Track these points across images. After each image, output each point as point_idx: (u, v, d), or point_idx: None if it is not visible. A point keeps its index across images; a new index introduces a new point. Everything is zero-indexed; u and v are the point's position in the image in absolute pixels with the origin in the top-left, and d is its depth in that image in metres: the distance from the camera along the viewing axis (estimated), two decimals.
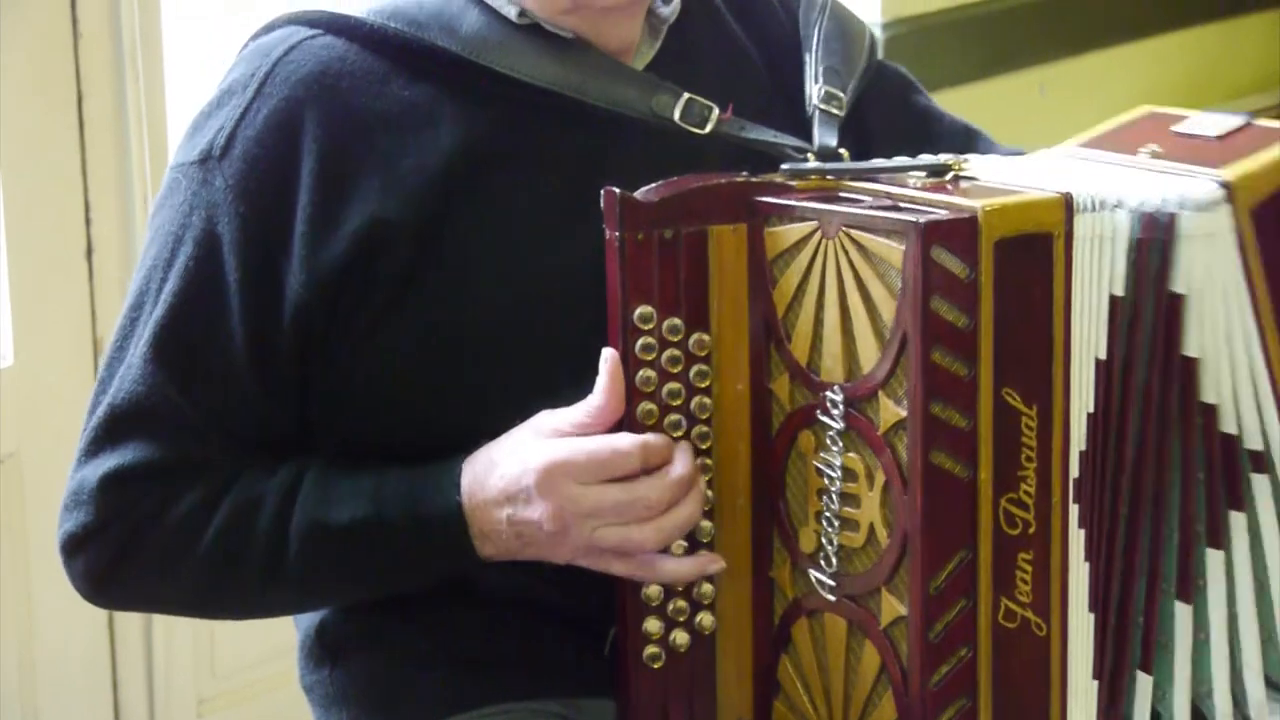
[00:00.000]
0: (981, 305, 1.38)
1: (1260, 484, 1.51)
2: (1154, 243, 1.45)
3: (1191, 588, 1.51)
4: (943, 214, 1.39)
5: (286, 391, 1.52)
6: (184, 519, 1.51)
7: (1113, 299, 1.45)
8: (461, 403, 1.51)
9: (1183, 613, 1.51)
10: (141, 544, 1.51)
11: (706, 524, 1.48)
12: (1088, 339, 1.44)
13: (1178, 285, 1.46)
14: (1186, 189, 1.46)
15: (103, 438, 1.52)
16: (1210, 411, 1.48)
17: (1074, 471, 1.44)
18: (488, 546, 1.48)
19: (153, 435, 1.50)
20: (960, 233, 1.37)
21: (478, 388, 1.51)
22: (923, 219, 1.37)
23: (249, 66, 1.55)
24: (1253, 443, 1.50)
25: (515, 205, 1.53)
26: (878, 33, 2.96)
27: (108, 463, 1.51)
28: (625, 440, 1.44)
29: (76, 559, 1.53)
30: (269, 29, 1.58)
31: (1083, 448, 1.45)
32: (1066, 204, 1.42)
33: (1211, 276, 1.46)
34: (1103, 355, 1.45)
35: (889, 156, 1.57)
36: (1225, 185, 1.46)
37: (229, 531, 1.50)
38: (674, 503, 1.44)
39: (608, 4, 1.54)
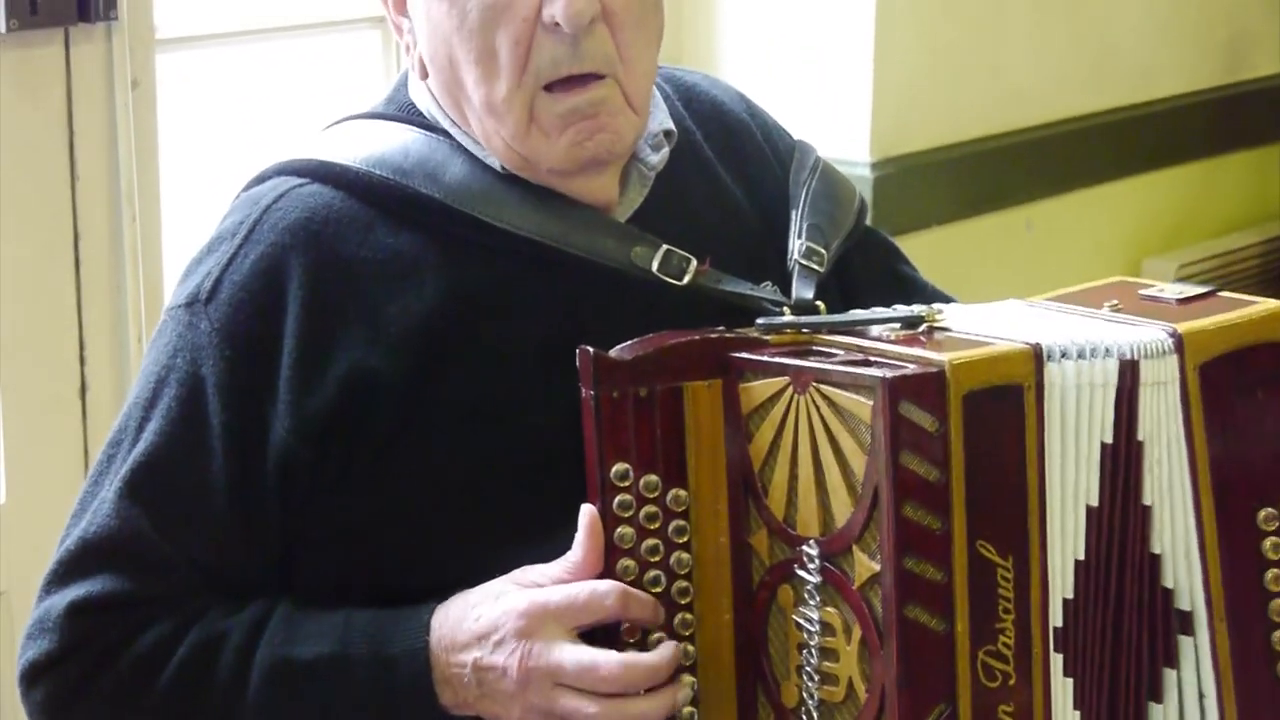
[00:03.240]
0: (952, 458, 1.39)
1: (1186, 645, 1.51)
2: (1125, 390, 1.47)
3: None
4: (911, 369, 1.40)
5: (265, 534, 1.52)
6: (147, 652, 1.50)
7: (1103, 446, 1.47)
8: (442, 550, 1.52)
9: None
10: (102, 675, 1.51)
11: (689, 679, 1.47)
12: (1076, 486, 1.46)
13: (1139, 432, 1.48)
14: (1141, 336, 1.48)
15: (72, 568, 1.52)
16: (1155, 561, 1.50)
17: (1057, 620, 1.45)
18: (447, 693, 1.47)
19: (123, 569, 1.51)
20: (928, 387, 1.39)
21: (458, 536, 1.52)
22: (890, 374, 1.39)
23: (240, 214, 1.58)
24: (1182, 602, 1.50)
25: (499, 354, 1.54)
26: (865, 172, 3.00)
27: (76, 592, 1.51)
28: (604, 583, 1.45)
29: (36, 689, 1.53)
30: (261, 179, 1.61)
31: (1069, 595, 1.45)
32: (1036, 355, 1.44)
33: (1160, 425, 1.48)
34: (1094, 502, 1.46)
35: None
36: (1175, 336, 1.49)
37: (191, 665, 1.50)
38: (639, 686, 1.44)
39: (553, 167, 1.55)
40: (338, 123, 1.66)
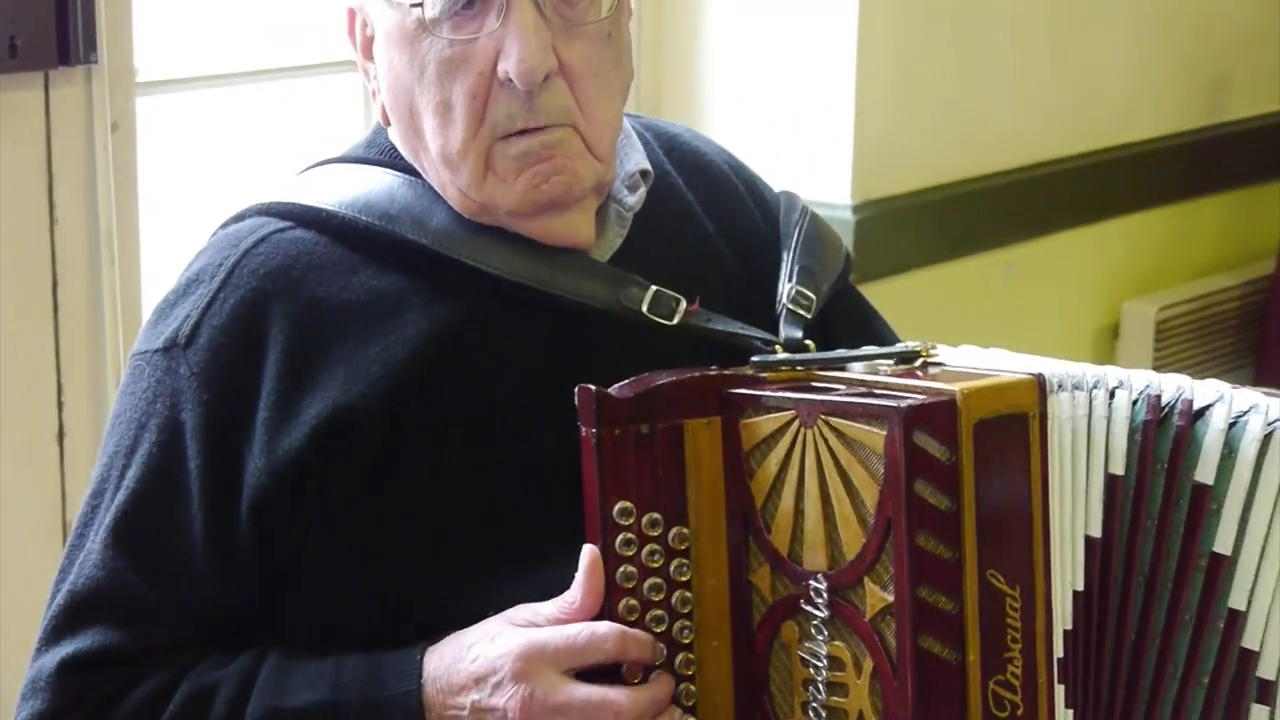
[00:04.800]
0: (964, 487, 1.39)
1: (1260, 715, 1.48)
2: (1164, 426, 1.46)
3: None
4: (922, 398, 1.40)
5: (247, 578, 1.51)
6: (139, 708, 1.49)
7: (1111, 477, 1.46)
8: (428, 589, 1.50)
9: None
10: None
11: None
12: (1075, 517, 1.45)
13: (1203, 475, 1.46)
14: (1267, 400, 1.47)
15: (63, 624, 1.50)
16: (1236, 618, 1.47)
17: (1059, 651, 1.44)
18: None
19: (113, 622, 1.49)
20: (941, 416, 1.38)
21: (444, 574, 1.50)
22: (904, 403, 1.38)
23: (217, 255, 1.56)
24: (1266, 670, 1.48)
25: (483, 396, 1.53)
26: (847, 215, 3.00)
27: (67, 649, 1.50)
28: (603, 625, 1.43)
29: None
30: (239, 218, 1.60)
31: (1068, 626, 1.45)
32: (1040, 385, 1.44)
33: (1267, 479, 1.46)
34: (1096, 533, 1.46)
35: None
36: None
37: (182, 718, 1.48)
38: (649, 717, 1.42)
39: (511, 209, 1.53)
40: (317, 165, 1.65)
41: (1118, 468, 1.46)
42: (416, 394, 1.51)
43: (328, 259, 1.54)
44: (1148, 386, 1.47)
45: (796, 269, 1.64)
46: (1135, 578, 1.47)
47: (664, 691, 1.44)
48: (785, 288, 1.63)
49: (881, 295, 2.99)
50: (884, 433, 1.38)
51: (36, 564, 2.46)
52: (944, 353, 1.52)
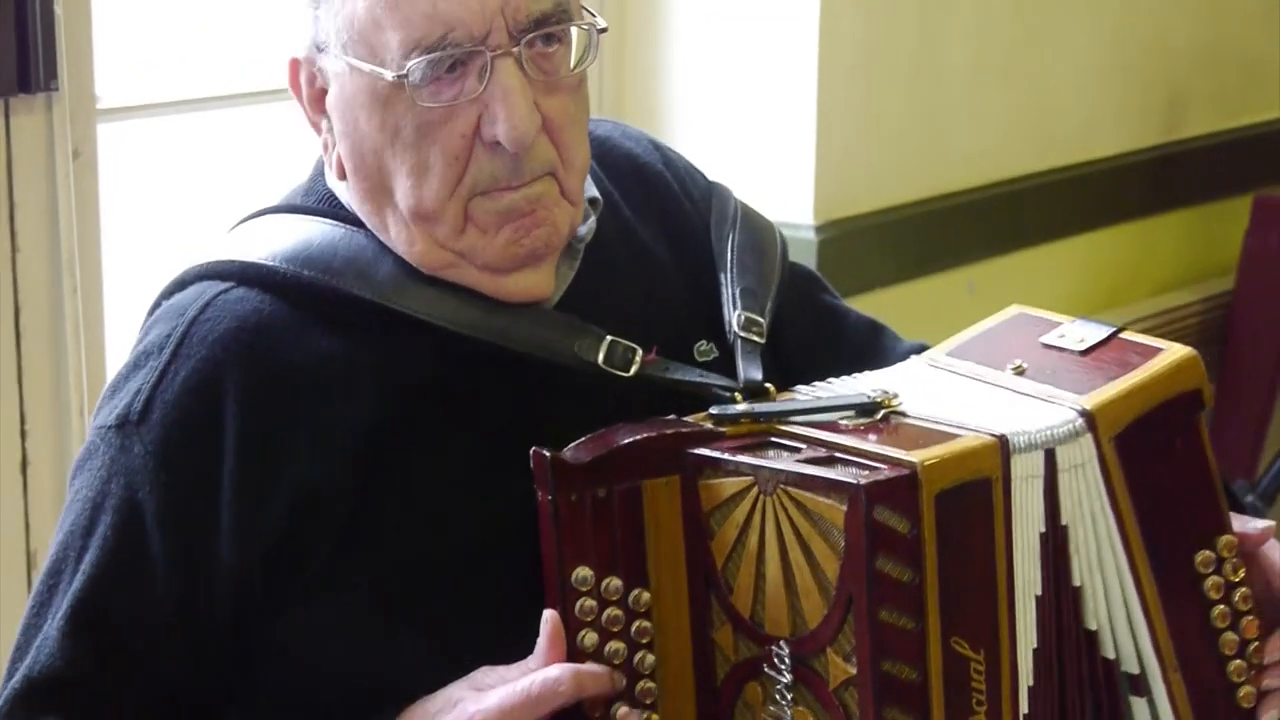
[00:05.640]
0: (926, 558, 1.39)
1: (1140, 706, 1.52)
2: (1049, 479, 1.48)
3: None
4: (882, 471, 1.39)
5: (216, 658, 1.49)
6: None
7: (1040, 535, 1.47)
8: (397, 660, 1.49)
9: None
10: None
11: None
12: (1028, 578, 1.46)
13: (1063, 517, 1.48)
14: (1051, 420, 1.48)
15: (18, 707, 1.48)
16: (1092, 638, 1.50)
17: (1025, 708, 1.45)
18: None
19: (69, 709, 1.47)
20: (901, 490, 1.38)
21: (413, 644, 1.49)
22: (863, 479, 1.38)
23: (165, 327, 1.52)
24: (1129, 666, 1.51)
25: (444, 454, 1.51)
26: (810, 235, 3.00)
27: None
28: (555, 668, 1.42)
29: None
30: (180, 284, 1.56)
31: (1030, 683, 1.45)
32: (1003, 447, 1.44)
33: (1081, 505, 1.48)
34: (1040, 592, 1.46)
35: (800, 353, 1.59)
36: (1086, 415, 1.48)
37: None
38: None
39: (489, 263, 1.51)
40: (255, 216, 1.61)
41: (1042, 525, 1.47)
42: (379, 459, 1.49)
43: (274, 318, 1.51)
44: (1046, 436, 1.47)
45: (738, 293, 1.63)
46: (1067, 627, 1.49)
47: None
48: (732, 315, 1.61)
49: None
50: (844, 508, 1.38)
51: (3, 593, 2.45)
52: (906, 395, 1.51)
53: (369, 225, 1.55)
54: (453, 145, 1.48)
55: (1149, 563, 1.50)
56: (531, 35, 1.48)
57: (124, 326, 1.58)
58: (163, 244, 2.65)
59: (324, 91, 1.54)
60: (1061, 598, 1.48)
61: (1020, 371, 1.55)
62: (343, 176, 1.55)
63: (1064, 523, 1.48)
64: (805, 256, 2.94)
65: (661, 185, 1.70)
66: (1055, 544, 1.48)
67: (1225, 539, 1.53)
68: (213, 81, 2.72)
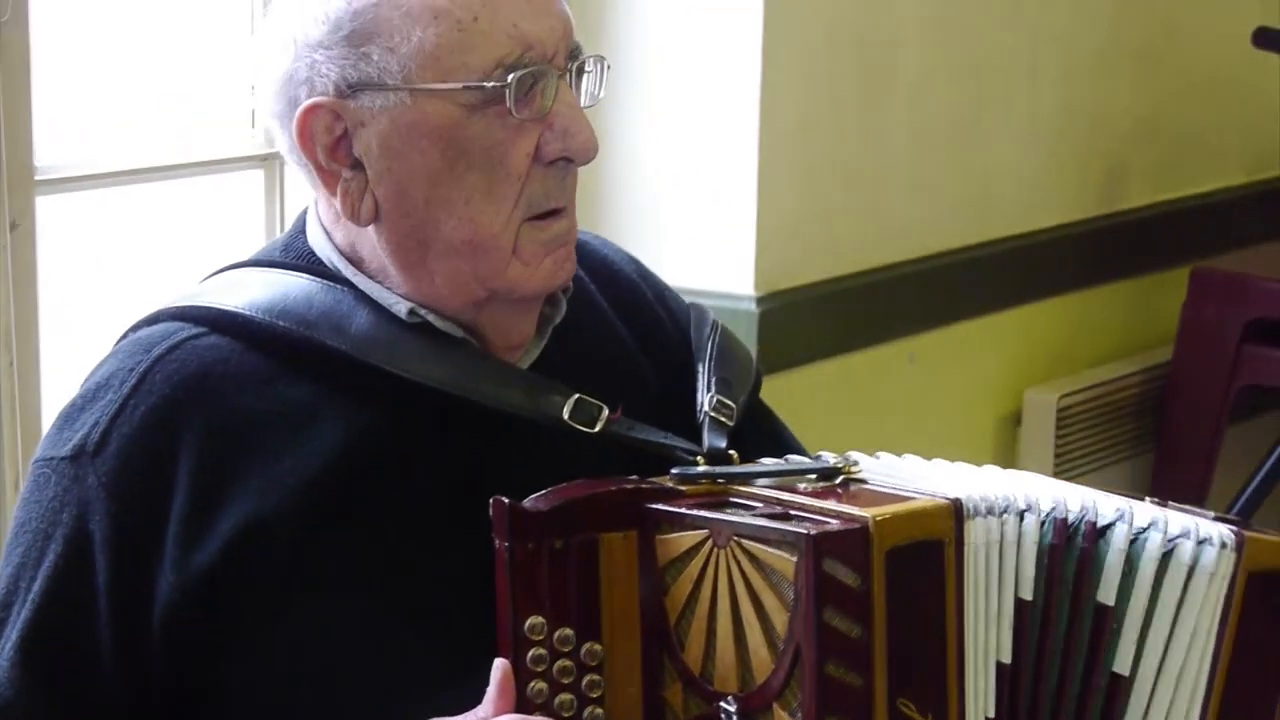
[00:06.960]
0: (875, 614, 1.38)
1: None
2: (1069, 549, 1.47)
3: None
4: (834, 524, 1.40)
5: (156, 694, 1.49)
6: None
7: (1020, 602, 1.46)
8: (344, 703, 1.48)
9: None
10: None
11: None
12: (986, 644, 1.45)
13: (1105, 596, 1.47)
14: (1198, 525, 1.48)
15: None
16: None
17: None
18: None
19: None
20: (852, 543, 1.38)
21: (360, 693, 1.48)
22: (814, 530, 1.38)
23: (128, 360, 1.53)
24: None
25: (401, 503, 1.51)
26: (751, 306, 3.01)
27: None
28: (505, 717, 1.41)
29: None
30: (151, 321, 1.57)
31: None
32: (956, 510, 1.44)
33: (1190, 611, 1.47)
34: (1006, 660, 1.45)
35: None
36: (1239, 537, 1.48)
37: None
38: None
39: (528, 293, 1.55)
40: (232, 267, 1.62)
41: (1026, 593, 1.46)
42: (331, 504, 1.49)
43: (242, 367, 1.52)
44: (1054, 508, 1.48)
45: (714, 379, 1.65)
46: (1043, 702, 1.47)
47: None
48: (705, 397, 1.63)
49: (787, 386, 3.02)
50: (794, 559, 1.38)
51: None
52: (867, 466, 1.52)
53: (359, 274, 1.56)
54: (518, 164, 1.52)
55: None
56: (577, 62, 1.54)
57: (60, 400, 1.58)
58: (102, 317, 2.63)
59: (343, 138, 1.53)
60: (1041, 667, 1.47)
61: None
62: (369, 223, 1.54)
63: (1108, 602, 1.47)
64: (746, 328, 2.95)
65: (637, 293, 1.73)
66: (1096, 621, 1.47)
67: None
68: (151, 152, 2.71)
